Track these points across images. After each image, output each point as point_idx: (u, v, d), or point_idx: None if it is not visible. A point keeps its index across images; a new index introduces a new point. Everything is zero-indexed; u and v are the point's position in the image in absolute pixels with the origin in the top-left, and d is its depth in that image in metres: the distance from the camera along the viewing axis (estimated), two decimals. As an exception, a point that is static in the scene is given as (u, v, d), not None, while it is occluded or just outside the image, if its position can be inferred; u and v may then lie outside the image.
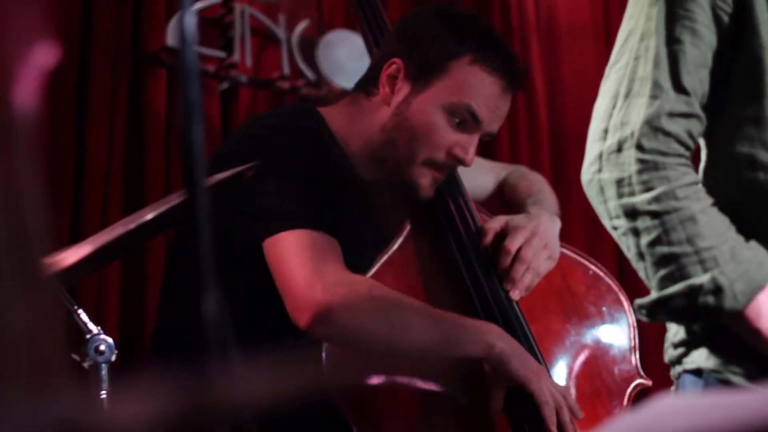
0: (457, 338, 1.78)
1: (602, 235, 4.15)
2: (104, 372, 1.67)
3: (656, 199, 1.50)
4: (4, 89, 0.57)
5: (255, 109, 3.62)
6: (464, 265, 1.94)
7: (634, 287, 3.70)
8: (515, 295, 1.92)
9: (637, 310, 1.57)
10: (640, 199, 1.51)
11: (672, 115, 1.53)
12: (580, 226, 3.93)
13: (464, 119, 1.94)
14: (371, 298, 1.78)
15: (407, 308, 1.79)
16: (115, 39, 3.39)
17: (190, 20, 0.67)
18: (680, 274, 1.49)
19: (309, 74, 3.74)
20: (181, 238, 2.05)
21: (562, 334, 2.00)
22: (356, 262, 1.85)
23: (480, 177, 2.24)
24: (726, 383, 1.54)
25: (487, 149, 3.86)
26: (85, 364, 1.67)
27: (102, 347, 1.67)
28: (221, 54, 3.62)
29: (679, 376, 1.62)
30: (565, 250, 2.03)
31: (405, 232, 1.94)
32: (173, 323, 1.96)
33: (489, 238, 1.95)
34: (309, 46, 3.77)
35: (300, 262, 1.79)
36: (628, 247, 1.55)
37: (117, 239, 1.58)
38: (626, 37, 1.61)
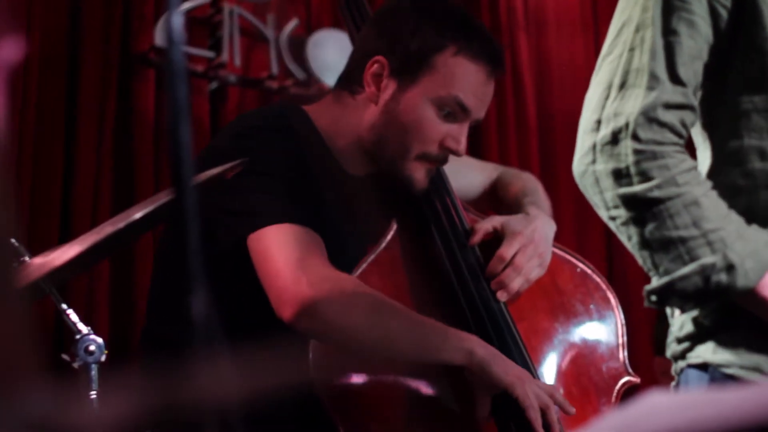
0: (437, 344, 1.78)
1: (591, 230, 4.18)
2: (94, 372, 1.67)
3: (658, 187, 1.50)
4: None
5: (244, 109, 3.62)
6: (450, 264, 1.94)
7: (623, 284, 3.73)
8: (503, 297, 1.93)
9: (645, 296, 1.56)
10: (641, 188, 1.51)
11: (668, 106, 1.53)
12: (569, 221, 3.93)
13: (453, 110, 1.95)
14: (355, 295, 1.78)
15: (388, 310, 1.79)
16: (103, 39, 3.39)
17: (178, 20, 0.67)
18: (690, 257, 1.49)
19: (298, 74, 3.74)
20: (168, 236, 2.05)
21: (550, 332, 2.00)
22: (340, 260, 1.84)
23: (469, 176, 2.24)
24: (732, 378, 1.54)
25: (476, 143, 3.87)
26: (75, 365, 1.67)
27: (92, 347, 1.67)
28: (210, 54, 3.62)
29: (681, 371, 1.61)
30: (553, 249, 2.03)
31: (392, 232, 1.94)
32: (162, 320, 1.95)
33: (477, 238, 1.95)
34: (298, 46, 3.77)
35: (285, 257, 1.78)
36: (629, 236, 1.54)
37: (106, 238, 1.58)
38: (620, 28, 1.60)
